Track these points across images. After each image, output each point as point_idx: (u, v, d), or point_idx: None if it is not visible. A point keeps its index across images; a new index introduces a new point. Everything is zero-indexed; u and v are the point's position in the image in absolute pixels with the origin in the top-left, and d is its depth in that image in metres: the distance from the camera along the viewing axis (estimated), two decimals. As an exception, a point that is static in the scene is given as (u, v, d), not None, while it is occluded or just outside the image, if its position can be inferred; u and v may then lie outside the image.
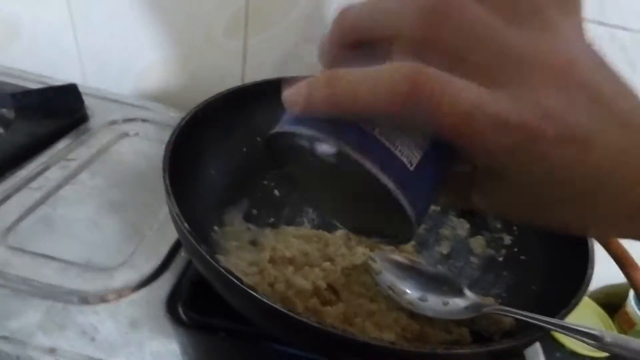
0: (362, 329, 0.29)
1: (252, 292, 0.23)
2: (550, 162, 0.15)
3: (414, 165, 0.17)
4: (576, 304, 0.27)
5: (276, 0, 0.54)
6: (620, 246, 0.46)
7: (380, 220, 0.21)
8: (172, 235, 0.41)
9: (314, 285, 0.31)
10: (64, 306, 0.33)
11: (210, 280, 0.28)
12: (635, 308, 0.59)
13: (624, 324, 0.60)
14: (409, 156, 0.17)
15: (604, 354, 0.58)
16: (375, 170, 0.17)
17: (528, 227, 0.41)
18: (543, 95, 0.15)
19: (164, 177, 0.31)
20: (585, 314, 0.62)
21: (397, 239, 0.22)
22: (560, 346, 0.58)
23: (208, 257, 0.25)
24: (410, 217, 0.18)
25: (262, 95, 0.43)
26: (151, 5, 0.58)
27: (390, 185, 0.17)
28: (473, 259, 0.42)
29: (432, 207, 0.47)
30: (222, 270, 0.24)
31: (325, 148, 0.17)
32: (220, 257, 0.30)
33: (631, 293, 0.61)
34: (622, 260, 0.39)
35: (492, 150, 0.15)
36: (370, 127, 0.17)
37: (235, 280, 0.23)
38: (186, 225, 0.27)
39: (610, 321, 0.61)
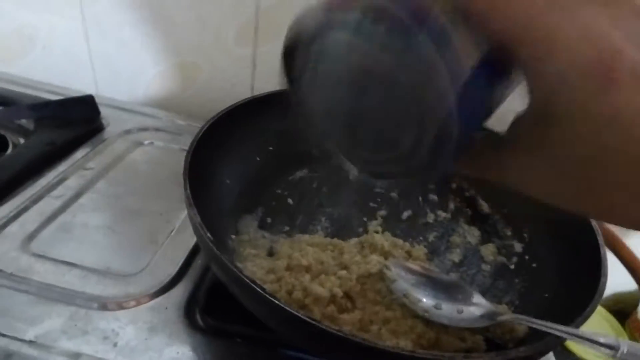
0: (378, 336, 0.30)
1: (275, 300, 0.24)
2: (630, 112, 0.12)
3: (469, 67, 0.15)
4: (591, 312, 0.27)
5: (286, 8, 0.55)
6: (632, 254, 0.47)
7: (405, 136, 0.18)
8: (187, 243, 0.42)
9: (330, 292, 0.32)
10: (86, 312, 0.34)
11: (231, 288, 0.29)
12: (646, 315, 0.59)
13: (635, 330, 0.60)
14: (467, 56, 0.15)
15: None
16: (433, 55, 0.15)
17: (542, 221, 0.41)
18: None
19: (185, 187, 0.32)
20: (596, 321, 0.62)
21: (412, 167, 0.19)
22: (571, 354, 0.59)
23: (231, 266, 0.25)
24: (449, 113, 0.16)
25: (275, 105, 0.44)
26: (162, 14, 0.59)
27: (444, 73, 0.15)
28: (484, 267, 0.42)
29: (442, 215, 0.47)
30: (246, 279, 0.25)
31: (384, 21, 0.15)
32: (239, 265, 0.31)
33: (641, 300, 0.61)
34: (636, 269, 0.40)
35: (563, 72, 0.12)
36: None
37: (257, 289, 0.24)
38: (209, 234, 0.28)
39: (621, 328, 0.61)
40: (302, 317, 0.23)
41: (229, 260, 0.26)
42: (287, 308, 0.24)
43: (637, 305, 0.62)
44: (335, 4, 0.17)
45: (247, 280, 0.25)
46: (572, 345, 0.58)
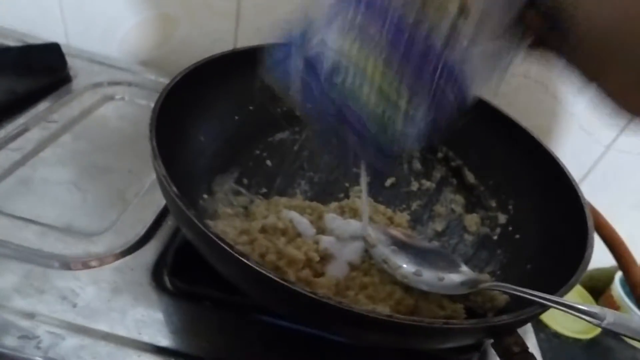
0: (355, 301, 0.29)
1: (244, 260, 0.22)
2: None
3: None
4: (576, 282, 0.26)
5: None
6: (612, 230, 0.46)
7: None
8: (158, 203, 0.39)
9: (306, 256, 0.30)
10: (43, 271, 0.32)
11: (198, 246, 0.27)
12: (621, 291, 0.59)
13: (609, 306, 0.61)
14: None
15: (587, 336, 0.58)
16: None
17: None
18: None
19: (150, 139, 0.29)
20: (570, 297, 0.62)
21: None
22: (544, 327, 0.59)
23: (197, 222, 0.23)
24: None
25: (256, 62, 0.41)
26: (140, -38, 0.55)
27: None
28: (467, 237, 0.41)
29: (427, 184, 0.46)
30: (212, 236, 0.23)
31: None
32: (209, 223, 0.29)
33: (617, 276, 0.61)
34: (618, 251, 0.39)
35: None
36: None
37: (226, 247, 0.22)
38: (174, 188, 0.25)
39: (594, 304, 0.62)
40: (274, 277, 0.21)
41: (195, 216, 0.24)
42: (259, 268, 0.22)
43: (611, 282, 0.62)
44: None
45: (214, 238, 0.22)
46: (548, 318, 0.59)
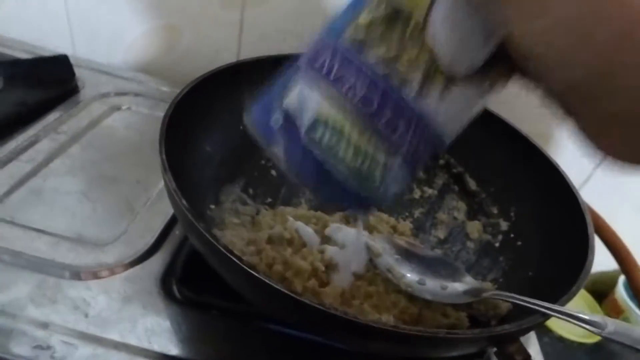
0: (360, 310, 0.29)
1: (253, 272, 0.22)
2: None
3: None
4: (577, 290, 0.27)
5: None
6: (614, 234, 0.47)
7: None
8: (165, 212, 0.40)
9: (312, 266, 0.31)
10: (56, 281, 0.33)
11: (207, 257, 0.27)
12: (624, 295, 0.59)
13: (612, 311, 0.61)
14: None
15: (591, 340, 0.59)
16: None
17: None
18: None
19: (160, 152, 0.30)
20: (573, 301, 0.63)
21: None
22: (548, 331, 0.59)
23: (207, 235, 0.24)
24: None
25: (261, 72, 0.42)
26: (145, -27, 0.56)
27: None
28: (469, 244, 0.42)
29: (429, 191, 0.46)
30: (222, 248, 0.23)
31: None
32: (217, 233, 0.30)
33: (620, 280, 0.62)
34: (620, 255, 0.40)
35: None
36: None
37: (236, 260, 0.23)
38: (184, 201, 0.26)
39: (598, 308, 0.62)
40: (283, 290, 0.22)
41: (205, 229, 0.24)
42: (267, 280, 0.22)
43: (614, 286, 0.62)
44: None
45: (224, 250, 0.23)
46: (552, 323, 0.59)
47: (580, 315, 0.23)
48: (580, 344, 0.58)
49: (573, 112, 0.18)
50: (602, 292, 0.65)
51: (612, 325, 0.22)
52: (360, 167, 0.22)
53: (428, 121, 0.21)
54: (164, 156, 0.29)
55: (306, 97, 0.21)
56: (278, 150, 0.23)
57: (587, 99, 0.16)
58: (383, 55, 0.20)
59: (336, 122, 0.21)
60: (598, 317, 0.23)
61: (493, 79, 0.21)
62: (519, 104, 0.55)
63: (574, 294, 0.27)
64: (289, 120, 0.22)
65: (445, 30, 0.19)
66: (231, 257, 0.23)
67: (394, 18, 0.20)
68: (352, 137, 0.21)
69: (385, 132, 0.21)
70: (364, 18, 0.20)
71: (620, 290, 0.60)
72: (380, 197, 0.24)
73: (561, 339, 0.59)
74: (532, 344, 0.38)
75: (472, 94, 0.21)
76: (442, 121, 0.21)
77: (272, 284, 0.22)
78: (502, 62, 0.20)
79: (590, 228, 0.32)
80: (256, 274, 0.23)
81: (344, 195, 0.23)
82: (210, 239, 0.24)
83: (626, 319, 0.59)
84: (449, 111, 0.21)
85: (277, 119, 0.22)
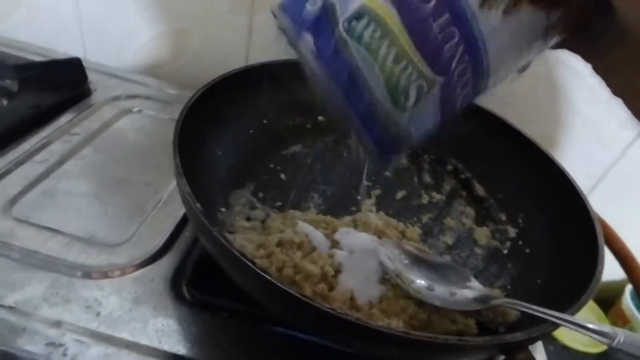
0: (369, 315, 0.29)
1: (267, 277, 0.23)
2: None
3: None
4: (587, 300, 0.27)
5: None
6: (622, 243, 0.46)
7: None
8: (174, 214, 0.40)
9: (322, 270, 0.31)
10: (68, 280, 0.33)
11: (219, 260, 0.28)
12: (631, 304, 0.59)
13: (618, 320, 0.61)
14: None
15: (597, 349, 0.59)
16: None
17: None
18: None
19: (174, 156, 0.30)
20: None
21: None
22: (553, 339, 0.59)
23: (221, 239, 0.24)
24: None
25: (270, 76, 0.43)
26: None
27: None
28: (477, 250, 0.42)
29: (437, 196, 0.47)
30: (236, 252, 0.24)
31: None
32: (228, 237, 0.30)
33: (627, 289, 0.61)
34: (629, 266, 0.40)
35: None
36: None
37: (249, 264, 0.23)
38: (199, 205, 0.26)
39: (604, 316, 0.62)
40: (296, 295, 0.22)
41: (219, 233, 0.25)
42: (281, 285, 0.23)
43: (621, 295, 0.62)
44: None
45: (239, 255, 0.24)
46: (557, 331, 0.59)
47: (591, 325, 0.24)
48: (585, 354, 0.58)
49: (627, 87, 0.17)
50: (607, 300, 0.65)
51: (622, 336, 0.22)
52: (400, 74, 0.19)
53: (482, 43, 0.19)
54: (178, 160, 0.30)
55: None
56: (308, 39, 0.20)
57: None
58: None
59: (385, 13, 0.18)
60: (608, 327, 0.23)
61: (560, 14, 0.19)
62: (525, 108, 0.55)
63: (584, 304, 0.27)
64: (329, 5, 0.19)
65: None
66: (245, 261, 0.23)
67: None
68: (399, 35, 0.18)
69: (437, 38, 0.18)
70: None
71: (627, 300, 0.60)
72: (405, 131, 0.21)
73: (566, 348, 0.59)
74: (538, 352, 0.38)
75: (534, 25, 0.19)
76: (496, 47, 0.19)
77: (287, 289, 0.22)
78: (572, 11, 0.19)
79: (600, 238, 0.33)
80: (270, 278, 0.23)
81: (367, 118, 0.20)
82: (225, 243, 0.24)
83: (632, 329, 0.59)
84: (507, 36, 0.19)
85: (315, 1, 0.19)
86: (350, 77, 0.19)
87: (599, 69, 0.21)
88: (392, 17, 0.18)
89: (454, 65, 0.19)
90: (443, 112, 0.20)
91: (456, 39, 0.18)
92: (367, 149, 0.21)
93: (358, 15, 0.19)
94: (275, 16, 0.21)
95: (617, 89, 0.20)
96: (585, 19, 0.19)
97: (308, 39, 0.19)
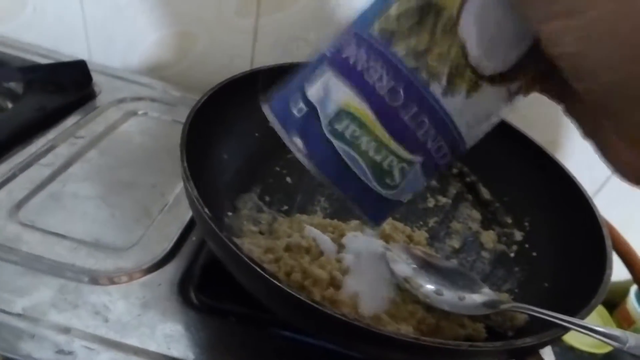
0: (377, 320, 0.29)
1: (276, 282, 0.23)
2: None
3: None
4: (596, 304, 0.27)
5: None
6: (628, 245, 0.46)
7: None
8: (181, 218, 0.40)
9: (330, 275, 0.31)
10: (76, 285, 0.33)
11: (227, 265, 0.28)
12: (636, 305, 0.59)
13: (623, 321, 0.61)
14: None
15: (602, 350, 0.59)
16: None
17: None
18: None
19: (181, 160, 0.30)
20: (585, 310, 0.62)
21: None
22: (560, 341, 0.59)
23: (230, 244, 0.24)
24: None
25: (277, 79, 0.43)
26: (160, -20, 0.56)
27: None
28: (484, 254, 0.42)
29: (443, 200, 0.47)
30: (245, 257, 0.24)
31: None
32: (236, 242, 0.30)
33: (632, 290, 0.61)
34: (635, 268, 0.40)
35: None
36: None
37: (258, 269, 0.23)
38: (206, 210, 0.26)
39: (609, 318, 0.62)
40: (306, 300, 0.22)
41: (227, 238, 0.25)
42: (291, 291, 0.23)
43: (626, 296, 0.62)
44: None
45: (248, 260, 0.23)
46: (566, 335, 0.59)
47: (601, 329, 0.24)
48: (592, 354, 0.58)
49: (612, 114, 0.17)
50: (612, 301, 0.65)
51: (633, 339, 0.22)
52: (382, 163, 0.21)
53: (452, 121, 0.21)
54: (185, 164, 0.29)
55: (331, 87, 0.21)
56: (298, 142, 0.22)
57: (630, 99, 0.16)
58: (413, 48, 0.20)
59: (361, 113, 0.21)
60: (619, 331, 0.23)
61: (520, 83, 0.21)
62: (530, 111, 0.55)
63: (593, 308, 0.27)
64: (312, 111, 0.21)
65: (478, 26, 0.19)
66: (254, 266, 0.23)
67: (426, 11, 0.19)
68: (375, 130, 0.21)
69: (410, 127, 0.21)
70: (395, 9, 0.20)
71: (632, 301, 0.60)
72: (395, 202, 0.23)
73: (572, 349, 0.59)
74: (547, 355, 0.38)
75: (497, 97, 0.21)
76: (465, 123, 0.21)
77: (297, 294, 0.22)
78: (532, 67, 0.20)
79: (608, 242, 0.32)
80: (279, 284, 0.23)
81: (361, 194, 0.23)
82: (233, 247, 0.24)
83: (637, 330, 0.59)
84: (473, 112, 0.21)
85: (300, 108, 0.22)
86: (339, 171, 0.22)
87: (570, 111, 0.22)
88: (368, 116, 0.21)
89: (429, 145, 0.22)
90: (427, 177, 0.23)
91: (427, 125, 0.21)
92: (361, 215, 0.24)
93: (338, 118, 0.21)
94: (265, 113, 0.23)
95: (586, 132, 0.21)
96: (545, 77, 0.21)
97: (298, 142, 0.22)
